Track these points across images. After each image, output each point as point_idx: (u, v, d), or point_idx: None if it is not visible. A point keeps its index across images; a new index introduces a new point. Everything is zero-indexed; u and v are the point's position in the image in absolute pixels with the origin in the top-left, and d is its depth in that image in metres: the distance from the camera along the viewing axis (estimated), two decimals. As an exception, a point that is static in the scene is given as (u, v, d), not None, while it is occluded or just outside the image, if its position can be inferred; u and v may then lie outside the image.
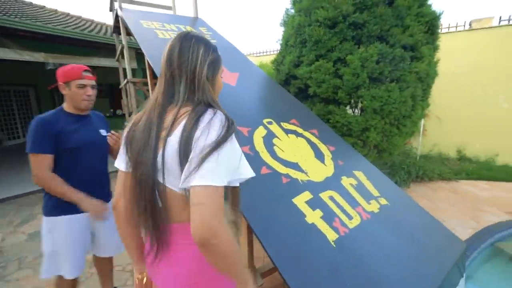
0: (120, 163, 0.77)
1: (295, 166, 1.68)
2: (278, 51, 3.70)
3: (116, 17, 3.48)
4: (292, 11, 3.41)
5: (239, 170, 0.68)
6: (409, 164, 4.24)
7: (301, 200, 1.44)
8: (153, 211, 0.68)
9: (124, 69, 3.84)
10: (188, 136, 0.63)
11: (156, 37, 2.84)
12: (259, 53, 8.17)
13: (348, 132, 2.97)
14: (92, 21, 6.48)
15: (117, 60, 4.26)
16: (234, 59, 2.85)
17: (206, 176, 0.59)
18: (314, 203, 1.45)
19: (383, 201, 1.69)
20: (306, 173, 1.66)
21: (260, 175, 1.51)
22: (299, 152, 1.82)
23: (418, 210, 1.82)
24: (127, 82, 3.51)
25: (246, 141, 1.71)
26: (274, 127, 1.97)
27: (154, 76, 2.82)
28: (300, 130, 2.06)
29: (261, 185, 1.44)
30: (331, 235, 1.30)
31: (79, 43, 4.51)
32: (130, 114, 3.88)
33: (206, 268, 0.70)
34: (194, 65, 0.71)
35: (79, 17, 6.56)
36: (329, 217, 1.39)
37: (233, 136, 0.66)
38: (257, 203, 1.33)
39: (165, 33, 3.01)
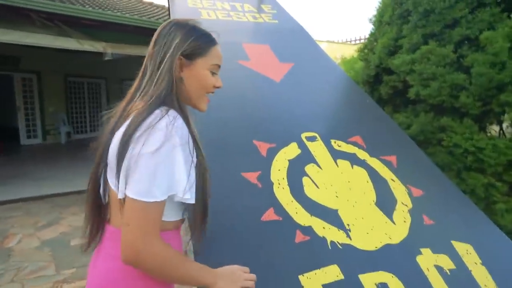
0: None
1: (331, 216, 1.28)
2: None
3: (168, -2, 3.80)
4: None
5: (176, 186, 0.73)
6: None
7: (317, 281, 1.05)
8: (95, 205, 0.83)
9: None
10: (128, 138, 0.70)
11: (199, 18, 2.90)
12: (357, 40, 7.60)
13: (476, 164, 2.25)
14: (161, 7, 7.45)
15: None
16: (294, 45, 2.64)
17: (134, 189, 0.68)
18: (341, 293, 1.03)
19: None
20: (346, 231, 1.24)
21: (259, 223, 1.19)
22: (348, 192, 1.40)
23: None
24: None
25: (258, 165, 1.42)
26: (317, 147, 1.61)
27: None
28: (362, 155, 1.62)
29: (255, 240, 1.13)
30: None
31: (136, 30, 5.16)
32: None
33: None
34: (163, 54, 0.79)
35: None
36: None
37: (179, 145, 0.71)
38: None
39: (212, 12, 3.06)
